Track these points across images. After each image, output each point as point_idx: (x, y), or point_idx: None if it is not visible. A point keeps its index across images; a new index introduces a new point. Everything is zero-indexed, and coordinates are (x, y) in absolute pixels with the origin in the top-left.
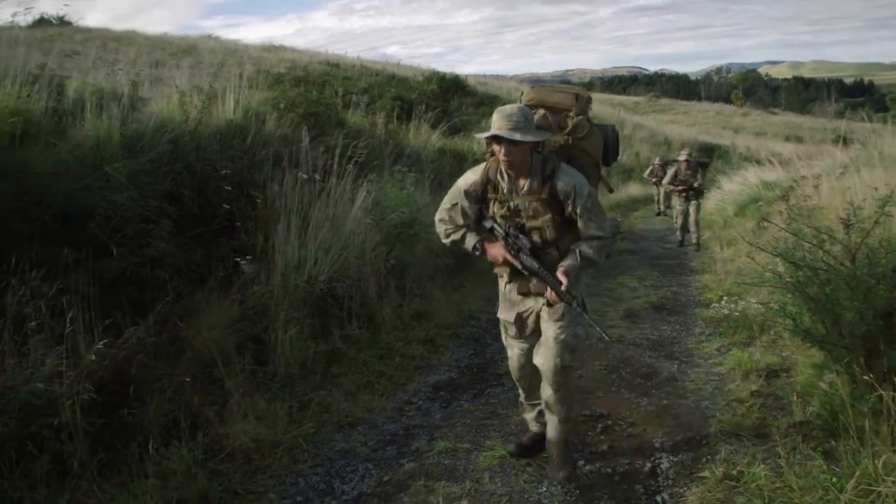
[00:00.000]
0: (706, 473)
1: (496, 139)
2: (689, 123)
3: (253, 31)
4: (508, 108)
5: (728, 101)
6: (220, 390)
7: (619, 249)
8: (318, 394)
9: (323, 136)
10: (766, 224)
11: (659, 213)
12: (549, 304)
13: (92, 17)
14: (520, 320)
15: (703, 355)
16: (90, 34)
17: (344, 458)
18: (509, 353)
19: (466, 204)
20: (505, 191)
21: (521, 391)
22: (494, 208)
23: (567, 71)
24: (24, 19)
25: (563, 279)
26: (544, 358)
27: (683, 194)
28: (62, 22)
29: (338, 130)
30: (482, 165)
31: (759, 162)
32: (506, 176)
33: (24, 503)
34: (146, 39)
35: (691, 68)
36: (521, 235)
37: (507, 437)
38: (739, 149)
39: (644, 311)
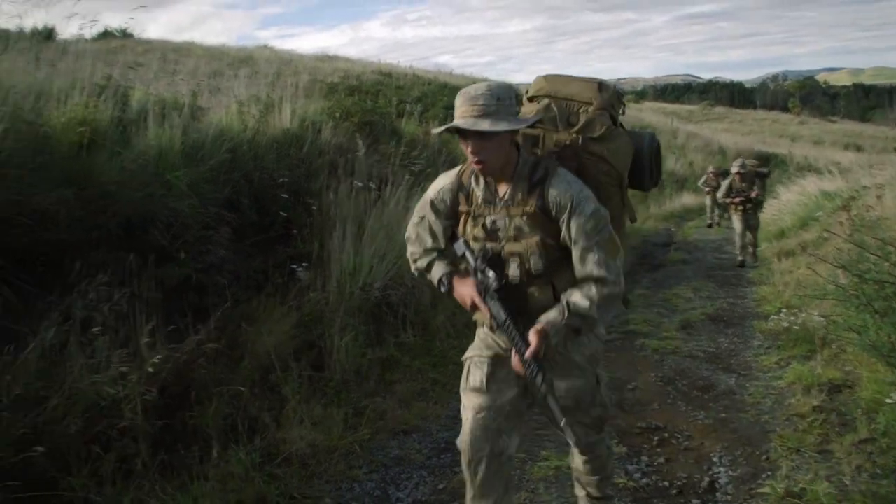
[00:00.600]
0: (767, 490)
1: (459, 133)
2: (744, 132)
3: (307, 42)
4: (474, 87)
5: (784, 109)
6: (277, 395)
7: (673, 259)
8: (372, 400)
9: (377, 144)
10: (827, 235)
11: (710, 225)
12: (517, 375)
13: (152, 29)
14: (496, 363)
15: (762, 368)
16: (151, 46)
17: (399, 465)
18: (463, 415)
19: (433, 218)
20: (479, 201)
21: (467, 483)
22: (467, 226)
23: (619, 79)
24: (90, 32)
25: (533, 340)
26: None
27: (741, 208)
28: (124, 34)
29: (392, 139)
30: (457, 168)
31: (817, 171)
32: (482, 181)
33: (91, 501)
34: (204, 50)
35: (746, 76)
36: (488, 269)
37: (562, 447)
38: (797, 158)
39: (700, 322)
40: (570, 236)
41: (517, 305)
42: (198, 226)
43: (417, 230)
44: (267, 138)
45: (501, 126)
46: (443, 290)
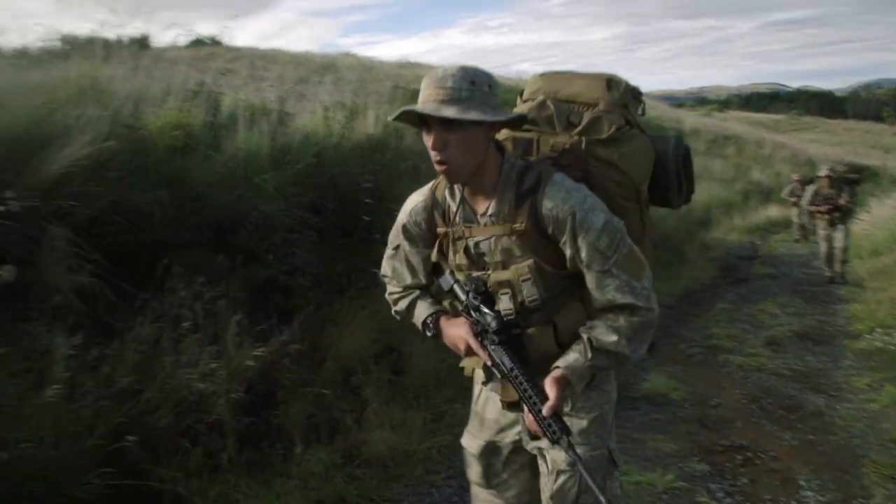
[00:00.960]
0: None
1: (422, 123)
2: (833, 143)
3: (389, 49)
4: (443, 68)
5: (878, 119)
6: (358, 398)
7: (758, 273)
8: (451, 406)
9: None
10: None
11: (798, 240)
12: (533, 437)
13: (240, 37)
14: (489, 453)
15: (854, 390)
16: (239, 53)
17: None
18: None
19: (409, 248)
20: (458, 219)
21: None
22: (449, 252)
23: (703, 87)
24: (183, 40)
25: (552, 392)
26: None
27: (827, 216)
28: (214, 42)
29: None
30: (432, 182)
31: None
32: (457, 193)
33: (179, 492)
34: (290, 57)
35: (836, 84)
36: (482, 306)
37: (642, 462)
38: (891, 170)
39: (787, 339)
40: (579, 259)
41: (515, 350)
42: (283, 228)
43: (393, 264)
44: (351, 143)
45: (472, 115)
46: (429, 334)
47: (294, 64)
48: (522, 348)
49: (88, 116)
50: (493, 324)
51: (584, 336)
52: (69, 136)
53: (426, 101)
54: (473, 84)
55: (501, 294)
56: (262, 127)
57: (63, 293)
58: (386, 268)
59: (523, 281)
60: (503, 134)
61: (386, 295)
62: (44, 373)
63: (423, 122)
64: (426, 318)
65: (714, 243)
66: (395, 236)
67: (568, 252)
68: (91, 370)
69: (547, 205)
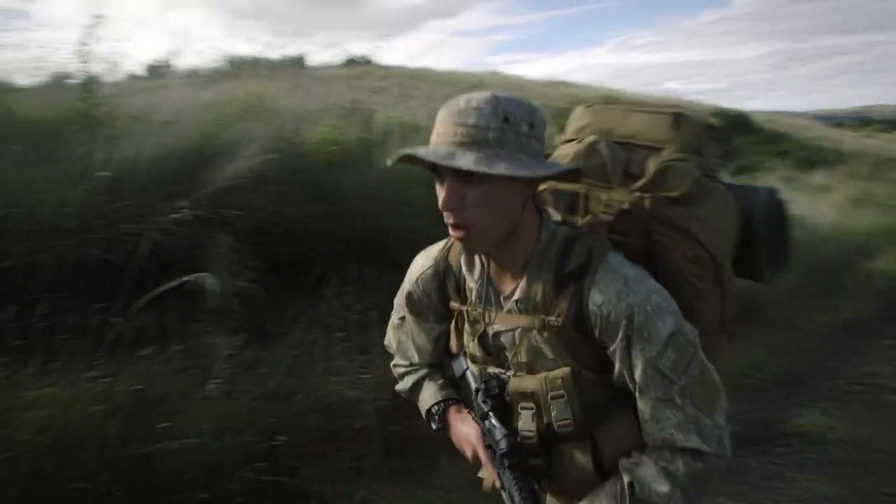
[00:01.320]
0: None
1: (434, 171)
2: None
3: (535, 67)
4: (465, 97)
5: None
6: None
7: None
8: None
9: None
10: None
11: None
12: None
13: (389, 56)
14: None
15: None
16: (389, 72)
17: None
18: None
19: (413, 323)
20: (473, 297)
21: None
22: (464, 335)
23: (867, 106)
24: (337, 59)
25: None
26: None
27: None
28: (366, 61)
29: None
30: (444, 241)
31: None
32: (476, 264)
33: (324, 493)
34: (438, 76)
35: None
36: (492, 415)
37: (795, 502)
38: None
39: None
40: (629, 377)
41: (538, 467)
42: (430, 243)
43: (398, 337)
44: None
45: (499, 168)
46: (434, 427)
47: (441, 83)
48: (549, 466)
49: (253, 133)
50: (503, 444)
51: (625, 478)
52: (235, 150)
53: (439, 142)
54: (507, 121)
55: (522, 408)
56: (413, 144)
57: (226, 297)
58: (390, 338)
59: (554, 399)
60: (542, 184)
61: (391, 364)
62: (206, 370)
63: (433, 168)
64: (432, 407)
65: (878, 274)
66: (400, 305)
67: (617, 365)
68: (247, 370)
69: (596, 299)
